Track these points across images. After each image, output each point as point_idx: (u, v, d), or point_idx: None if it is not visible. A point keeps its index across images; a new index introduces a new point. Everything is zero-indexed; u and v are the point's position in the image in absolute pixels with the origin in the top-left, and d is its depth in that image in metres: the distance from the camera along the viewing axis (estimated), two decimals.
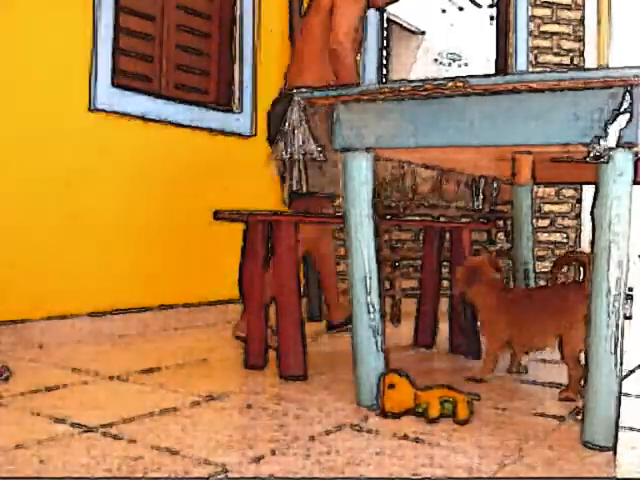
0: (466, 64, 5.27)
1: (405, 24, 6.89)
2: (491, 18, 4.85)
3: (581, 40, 4.70)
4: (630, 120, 1.67)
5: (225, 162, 3.79)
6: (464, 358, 2.90)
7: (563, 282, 2.68)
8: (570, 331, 2.23)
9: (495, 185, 3.23)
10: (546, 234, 4.64)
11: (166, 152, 3.51)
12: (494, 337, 2.44)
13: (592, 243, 1.75)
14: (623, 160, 1.69)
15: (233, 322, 3.14)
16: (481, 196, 3.08)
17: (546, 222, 4.66)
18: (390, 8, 4.00)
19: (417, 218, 3.00)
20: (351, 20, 3.03)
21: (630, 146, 1.69)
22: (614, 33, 4.79)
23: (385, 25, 4.54)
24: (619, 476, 1.61)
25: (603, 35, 4.74)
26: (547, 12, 4.67)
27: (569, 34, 4.70)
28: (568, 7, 4.69)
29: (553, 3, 4.67)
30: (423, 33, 7.08)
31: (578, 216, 4.70)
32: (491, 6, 4.82)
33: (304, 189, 2.78)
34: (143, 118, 3.40)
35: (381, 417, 1.97)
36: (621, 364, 1.73)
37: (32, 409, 1.99)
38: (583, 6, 4.68)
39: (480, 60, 4.96)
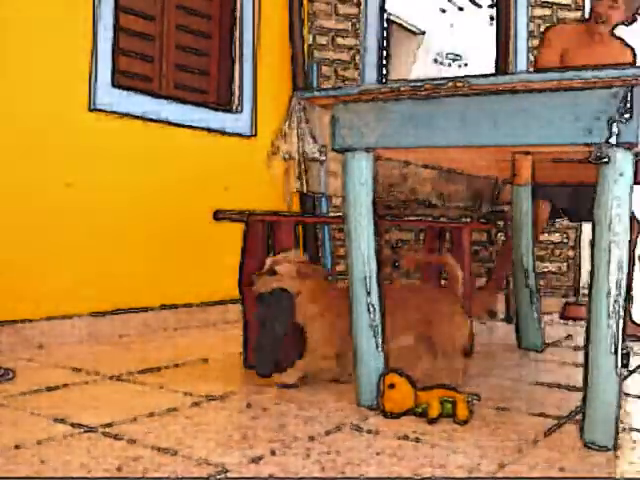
0: (466, 64, 5.27)
1: (405, 24, 6.90)
2: (491, 18, 4.85)
3: None
4: (630, 120, 1.67)
5: (225, 162, 3.79)
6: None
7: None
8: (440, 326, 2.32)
9: (496, 184, 3.23)
10: (546, 234, 4.63)
11: (166, 152, 3.51)
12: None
13: (592, 243, 1.75)
14: (623, 160, 1.69)
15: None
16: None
17: None
18: (390, 8, 3.99)
19: (417, 218, 3.00)
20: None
21: (630, 146, 1.69)
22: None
23: (385, 25, 4.54)
24: (619, 476, 1.61)
25: None
26: (547, 12, 4.67)
27: None
28: (568, 7, 4.68)
29: (553, 3, 4.67)
30: (423, 33, 7.09)
31: None
32: (491, 6, 4.83)
33: (304, 189, 2.77)
34: (143, 118, 3.40)
35: (381, 417, 1.97)
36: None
37: (32, 409, 1.99)
38: (583, 6, 4.67)
39: (480, 60, 4.96)
